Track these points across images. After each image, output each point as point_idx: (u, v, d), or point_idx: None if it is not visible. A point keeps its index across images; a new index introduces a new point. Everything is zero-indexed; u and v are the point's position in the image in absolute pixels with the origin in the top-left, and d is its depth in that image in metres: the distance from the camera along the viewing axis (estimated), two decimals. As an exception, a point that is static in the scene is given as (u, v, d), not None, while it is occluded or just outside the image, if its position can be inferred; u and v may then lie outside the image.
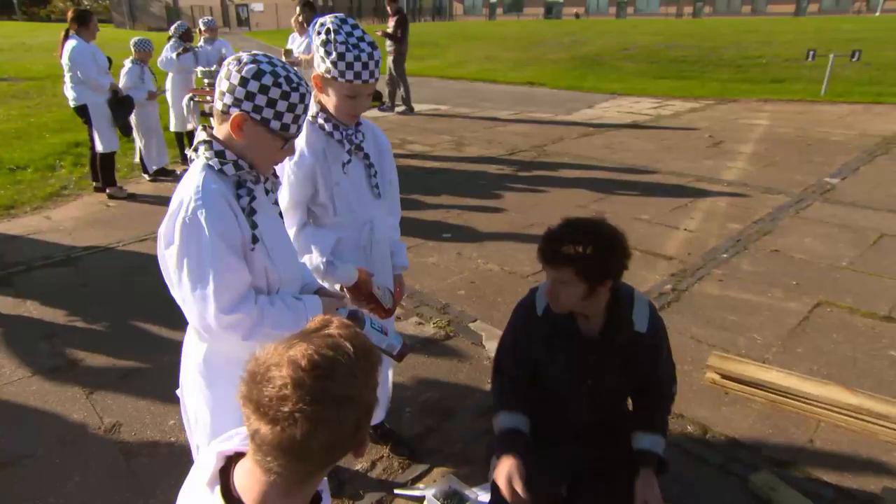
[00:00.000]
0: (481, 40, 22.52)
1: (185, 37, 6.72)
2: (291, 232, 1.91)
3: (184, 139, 7.06)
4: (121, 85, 5.89)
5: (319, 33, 1.78)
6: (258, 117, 1.33)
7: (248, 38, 7.30)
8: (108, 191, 5.90)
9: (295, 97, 1.33)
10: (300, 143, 1.87)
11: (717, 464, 2.42)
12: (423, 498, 2.20)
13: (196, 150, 1.39)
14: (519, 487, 1.69)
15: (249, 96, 1.30)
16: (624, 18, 37.10)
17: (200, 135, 1.39)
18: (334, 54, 1.73)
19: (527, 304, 1.93)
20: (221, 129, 1.38)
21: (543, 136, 8.53)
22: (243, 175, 1.38)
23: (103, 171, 5.84)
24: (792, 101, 11.28)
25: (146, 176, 6.53)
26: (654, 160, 7.15)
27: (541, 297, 1.88)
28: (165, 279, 1.42)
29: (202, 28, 7.24)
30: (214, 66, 6.72)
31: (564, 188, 6.07)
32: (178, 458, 2.43)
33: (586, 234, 1.60)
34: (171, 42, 6.67)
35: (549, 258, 1.63)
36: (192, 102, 6.21)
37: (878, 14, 29.62)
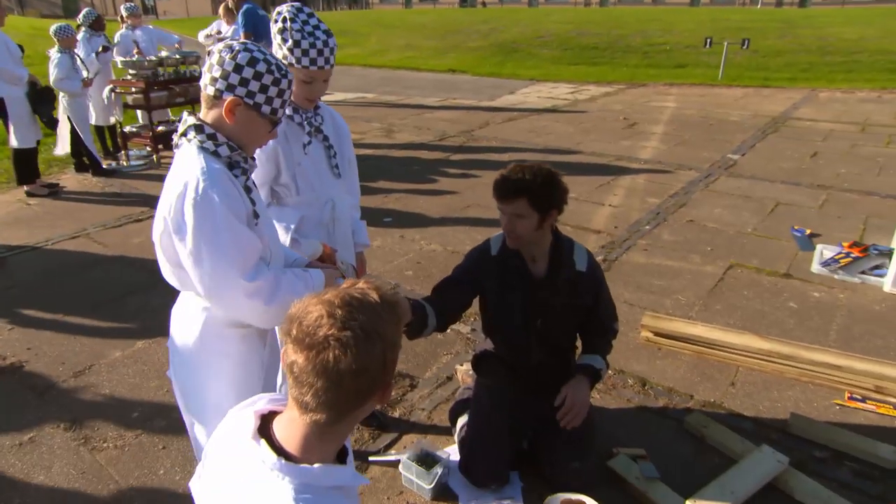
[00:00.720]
0: (400, 28, 22.36)
1: (97, 25, 6.28)
2: None
3: (105, 133, 6.65)
4: (52, 78, 5.47)
5: (276, 21, 1.84)
6: (251, 102, 1.38)
7: (156, 29, 6.81)
8: (26, 188, 5.48)
9: (284, 84, 1.39)
10: None
11: (656, 410, 2.66)
12: (397, 462, 2.30)
13: (185, 134, 1.41)
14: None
15: (244, 82, 1.35)
16: (536, 7, 37.99)
17: (189, 119, 1.41)
18: (290, 41, 1.79)
19: (481, 247, 2.15)
20: (211, 114, 1.41)
21: (470, 122, 8.67)
22: (234, 156, 1.43)
23: (21, 167, 5.42)
24: (694, 84, 12.10)
25: (103, 166, 6.12)
26: (576, 142, 7.45)
27: (496, 240, 2.11)
28: (163, 264, 1.44)
29: (124, 14, 6.81)
30: (135, 55, 6.37)
31: (495, 170, 6.07)
32: (149, 448, 2.40)
33: (532, 171, 1.88)
34: (83, 33, 6.21)
35: (505, 193, 1.90)
36: (112, 94, 5.88)
37: (759, 7, 32.40)
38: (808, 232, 4.55)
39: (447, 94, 11.21)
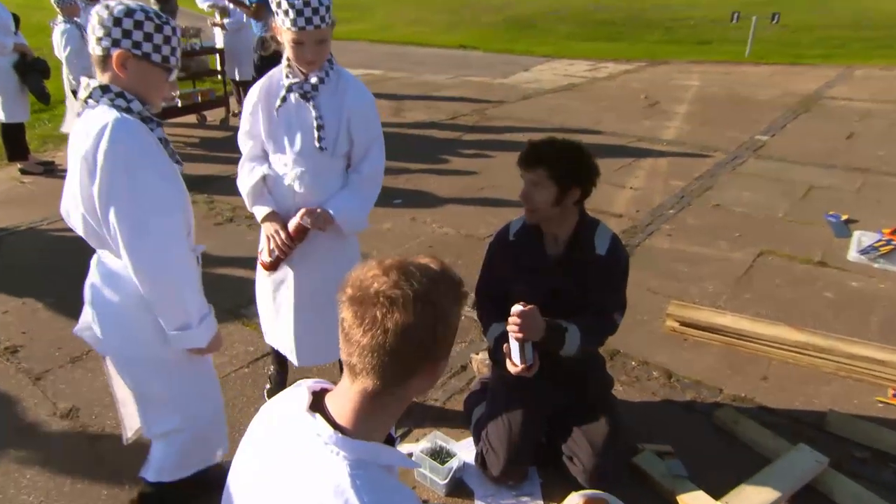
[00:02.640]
0: (407, 2, 22.11)
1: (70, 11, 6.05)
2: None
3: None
4: (62, 52, 5.20)
5: None
6: (139, 52, 1.46)
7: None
8: (20, 166, 5.45)
9: (168, 30, 1.47)
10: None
11: (683, 403, 2.61)
12: (410, 455, 2.26)
13: (90, 96, 1.47)
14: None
15: (126, 34, 1.43)
16: (551, -20, 37.37)
17: (91, 82, 1.48)
18: (284, 3, 1.87)
19: (500, 233, 2.15)
20: (106, 76, 1.48)
21: (483, 100, 8.59)
22: (145, 111, 1.51)
23: (10, 143, 5.38)
24: (719, 62, 11.87)
25: None
26: (595, 121, 7.35)
27: (515, 223, 2.10)
28: (81, 225, 1.55)
29: None
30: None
31: (510, 151, 6.12)
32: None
33: (560, 143, 1.90)
34: (81, 2, 6.00)
35: (525, 159, 1.90)
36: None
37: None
38: (843, 217, 4.45)
39: (458, 70, 11.08)
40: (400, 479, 2.15)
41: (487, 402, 2.29)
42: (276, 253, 2.13)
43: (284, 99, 2.05)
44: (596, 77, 10.59)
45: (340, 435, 0.92)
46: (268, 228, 2.14)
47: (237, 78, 7.11)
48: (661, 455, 2.25)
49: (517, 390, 2.17)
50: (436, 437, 2.29)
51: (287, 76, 2.04)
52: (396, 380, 0.92)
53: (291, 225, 2.11)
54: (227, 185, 4.87)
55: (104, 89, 1.46)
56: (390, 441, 1.05)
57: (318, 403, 0.99)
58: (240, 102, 7.46)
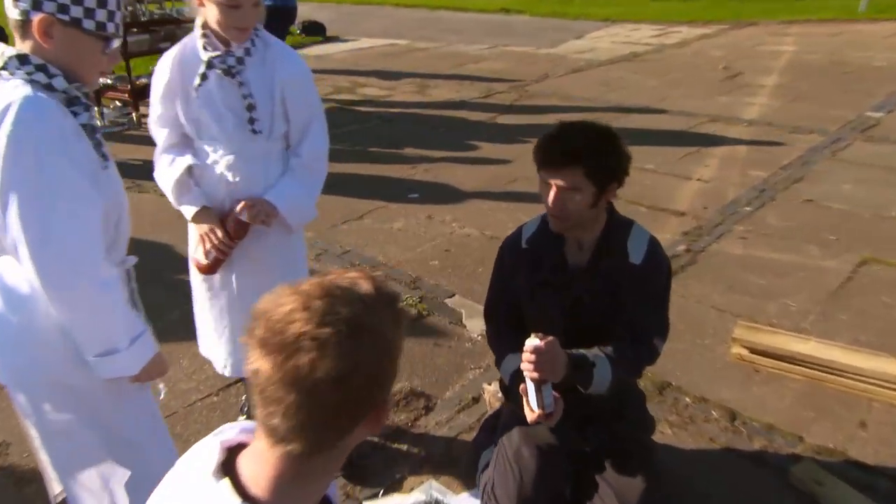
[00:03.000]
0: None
1: None
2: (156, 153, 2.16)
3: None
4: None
5: None
6: (67, 18, 1.38)
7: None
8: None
9: None
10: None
11: (749, 454, 2.45)
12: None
13: (4, 67, 1.40)
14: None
15: None
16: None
17: (7, 51, 1.41)
18: None
19: (511, 239, 2.08)
20: (26, 44, 1.41)
21: (524, 74, 8.53)
22: (72, 90, 1.45)
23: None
24: (824, 21, 11.44)
25: None
26: (659, 98, 7.23)
27: (529, 226, 2.02)
28: None
29: None
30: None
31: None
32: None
33: (587, 130, 1.78)
34: None
35: (553, 160, 1.76)
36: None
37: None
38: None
39: (498, 39, 11.05)
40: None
41: (496, 446, 2.18)
42: (214, 254, 2.12)
43: (205, 76, 2.00)
44: (664, 44, 10.45)
45: None
46: (201, 227, 2.13)
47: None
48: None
49: (532, 433, 2.05)
50: (431, 489, 2.24)
51: (205, 48, 1.99)
52: (332, 436, 0.89)
53: (229, 221, 2.09)
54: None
55: (21, 59, 1.40)
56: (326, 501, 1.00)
57: (231, 463, 0.95)
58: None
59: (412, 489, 2.30)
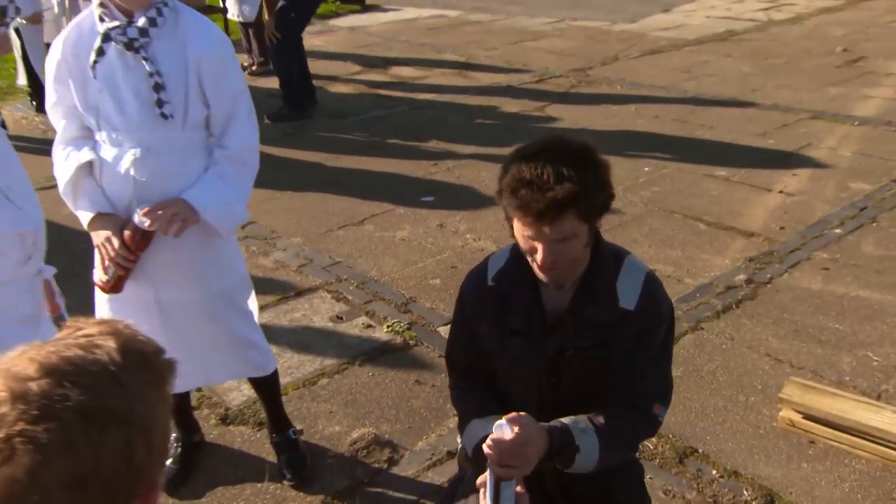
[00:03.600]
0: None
1: None
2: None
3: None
4: None
5: None
6: None
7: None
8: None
9: None
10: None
11: (784, 552, 2.28)
12: None
13: None
14: None
15: None
16: None
17: None
18: None
19: (475, 274, 1.98)
20: None
21: (590, 55, 8.44)
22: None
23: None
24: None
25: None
26: (751, 88, 7.05)
27: (496, 261, 1.93)
28: None
29: None
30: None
31: (609, 130, 5.99)
32: None
33: (567, 159, 1.66)
34: None
35: (538, 214, 1.64)
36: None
37: None
38: None
39: (568, 11, 10.95)
40: None
41: None
42: (113, 269, 2.10)
43: (101, 51, 1.99)
44: (772, 19, 10.20)
45: None
46: (97, 237, 2.12)
47: (240, 18, 7.31)
48: None
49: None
50: None
51: (102, 19, 1.98)
52: None
53: (127, 229, 2.09)
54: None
55: None
56: None
57: None
58: (250, 52, 7.68)
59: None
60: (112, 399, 0.81)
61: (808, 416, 2.72)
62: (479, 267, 1.98)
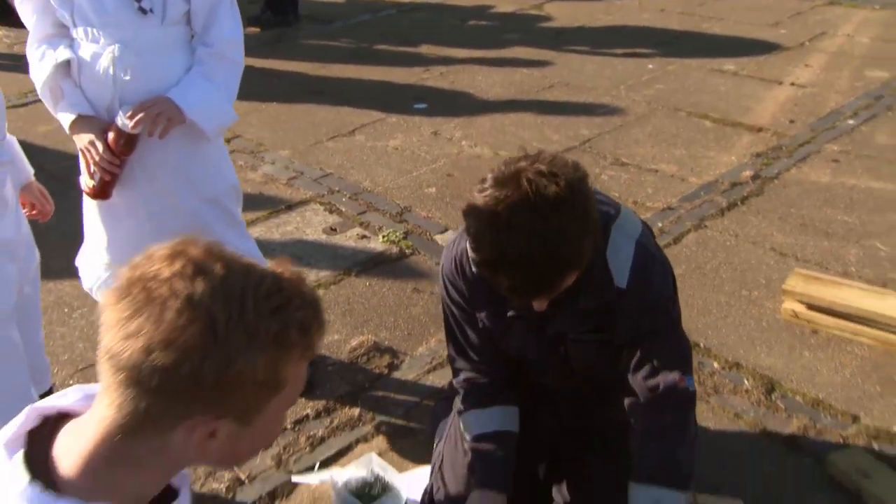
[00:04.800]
0: None
1: None
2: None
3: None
4: None
5: None
6: None
7: None
8: None
9: None
10: None
11: (784, 437, 2.43)
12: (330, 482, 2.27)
13: None
14: None
15: None
16: None
17: None
18: None
19: (454, 264, 1.92)
20: None
21: None
22: None
23: None
24: None
25: None
26: None
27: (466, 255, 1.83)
28: None
29: None
30: None
31: (610, 26, 5.97)
32: None
33: (544, 222, 1.48)
34: None
35: (530, 289, 1.61)
36: None
37: None
38: None
39: None
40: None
41: (451, 416, 2.22)
42: (99, 174, 2.14)
43: None
44: None
45: (40, 490, 0.88)
46: (80, 140, 2.14)
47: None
48: (722, 514, 2.17)
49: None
50: (371, 462, 2.27)
51: None
52: (148, 420, 0.89)
53: (111, 132, 2.10)
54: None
55: None
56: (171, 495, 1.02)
57: (47, 433, 0.96)
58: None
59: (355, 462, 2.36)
60: (257, 317, 0.87)
61: (811, 307, 2.82)
62: (453, 264, 1.92)
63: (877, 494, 2.18)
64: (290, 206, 3.77)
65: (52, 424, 0.97)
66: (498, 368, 2.00)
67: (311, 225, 3.62)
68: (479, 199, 1.51)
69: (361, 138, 4.44)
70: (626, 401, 1.92)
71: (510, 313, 1.84)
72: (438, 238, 3.48)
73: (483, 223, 1.51)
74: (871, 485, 2.20)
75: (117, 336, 0.86)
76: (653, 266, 1.79)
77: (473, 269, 1.79)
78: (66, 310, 3.01)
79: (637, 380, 1.86)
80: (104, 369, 0.89)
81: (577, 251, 1.54)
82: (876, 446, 2.38)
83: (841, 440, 2.41)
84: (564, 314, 1.80)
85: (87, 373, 2.72)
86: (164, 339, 0.84)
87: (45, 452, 0.93)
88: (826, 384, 2.61)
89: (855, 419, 2.47)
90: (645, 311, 1.79)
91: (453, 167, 4.08)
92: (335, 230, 3.58)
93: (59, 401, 1.01)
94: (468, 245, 1.68)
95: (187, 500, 1.04)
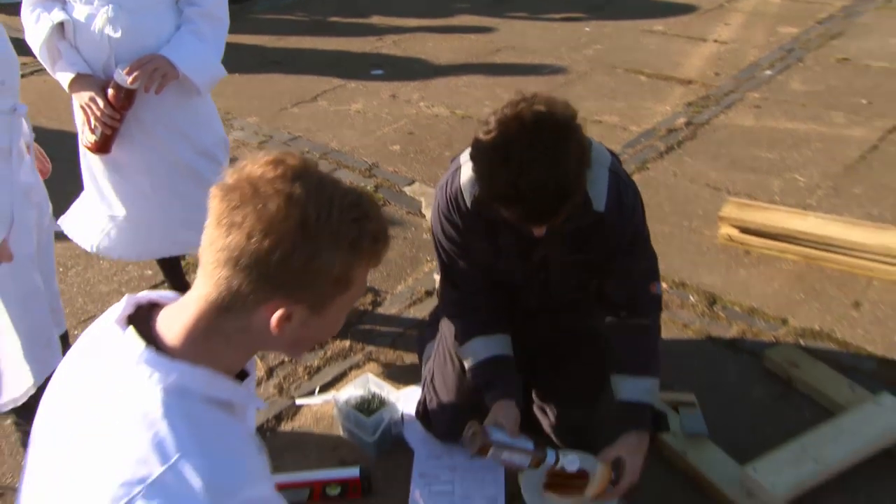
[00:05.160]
0: None
1: None
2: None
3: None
4: None
5: None
6: None
7: None
8: None
9: None
10: None
11: (725, 341, 2.61)
12: (332, 402, 2.37)
13: None
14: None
15: None
16: None
17: None
18: None
19: (449, 202, 1.96)
20: None
21: None
22: None
23: None
24: None
25: None
26: None
27: (468, 187, 1.88)
28: None
29: None
30: None
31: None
32: None
33: (544, 152, 1.55)
34: None
35: (541, 217, 1.65)
36: None
37: None
38: None
39: None
40: (320, 440, 2.28)
41: (438, 336, 2.31)
42: (100, 128, 2.17)
43: None
44: None
45: (155, 353, 0.97)
46: (80, 97, 2.16)
47: None
48: (676, 407, 2.27)
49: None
50: (368, 382, 2.36)
51: None
52: (239, 297, 0.97)
53: (110, 87, 2.13)
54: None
55: None
56: (243, 376, 1.10)
57: (143, 316, 1.05)
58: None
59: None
60: (322, 212, 0.94)
61: (744, 230, 2.99)
62: (448, 195, 1.94)
63: (804, 380, 2.35)
64: (262, 167, 3.81)
65: (145, 311, 1.06)
66: (489, 298, 2.05)
67: (284, 183, 3.67)
68: (487, 139, 1.56)
69: (324, 104, 4.51)
70: (608, 319, 2.01)
71: (501, 241, 1.91)
72: (407, 189, 3.59)
73: (496, 162, 1.55)
74: (800, 373, 2.37)
75: (223, 223, 0.94)
76: (625, 190, 1.86)
77: (468, 204, 1.86)
78: (60, 269, 3.01)
79: (615, 288, 1.97)
80: (206, 254, 0.96)
81: (581, 179, 1.61)
82: (802, 342, 2.56)
83: (773, 339, 2.58)
84: (553, 238, 1.83)
85: (88, 324, 2.75)
86: (264, 228, 0.91)
87: (148, 330, 1.01)
88: (759, 295, 2.79)
89: (784, 322, 2.66)
90: (621, 231, 1.87)
91: (414, 126, 4.17)
92: (308, 187, 3.65)
93: (148, 293, 1.10)
94: (471, 183, 1.79)
95: (254, 381, 1.13)
